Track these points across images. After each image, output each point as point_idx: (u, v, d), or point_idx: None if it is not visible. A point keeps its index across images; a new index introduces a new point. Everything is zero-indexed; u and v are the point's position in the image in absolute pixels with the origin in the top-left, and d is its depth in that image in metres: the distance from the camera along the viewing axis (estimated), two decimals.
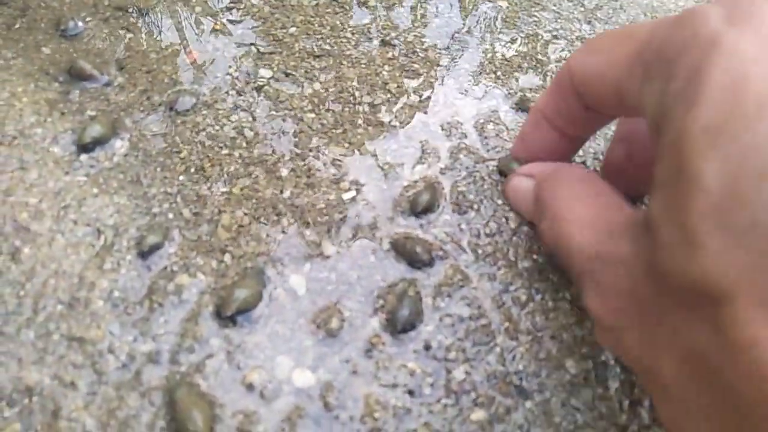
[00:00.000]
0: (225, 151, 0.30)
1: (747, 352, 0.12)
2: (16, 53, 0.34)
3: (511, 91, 0.33)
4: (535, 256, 0.26)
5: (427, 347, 0.24)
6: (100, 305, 0.24)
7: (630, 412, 0.22)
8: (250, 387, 0.23)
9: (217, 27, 0.37)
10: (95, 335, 0.23)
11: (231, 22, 0.37)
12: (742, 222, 0.12)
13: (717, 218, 0.12)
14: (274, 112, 0.32)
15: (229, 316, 0.24)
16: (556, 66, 0.35)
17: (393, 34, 0.36)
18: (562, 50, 0.36)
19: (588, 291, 0.18)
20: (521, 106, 0.32)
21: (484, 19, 0.37)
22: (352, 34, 0.37)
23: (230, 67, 0.34)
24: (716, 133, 0.13)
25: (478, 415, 0.22)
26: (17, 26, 0.36)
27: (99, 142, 0.29)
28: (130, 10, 0.37)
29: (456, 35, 0.37)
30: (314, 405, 0.22)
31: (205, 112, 0.32)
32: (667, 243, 0.14)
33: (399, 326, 0.24)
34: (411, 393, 0.23)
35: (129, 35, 0.36)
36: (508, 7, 0.38)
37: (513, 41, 0.36)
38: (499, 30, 0.37)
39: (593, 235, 0.18)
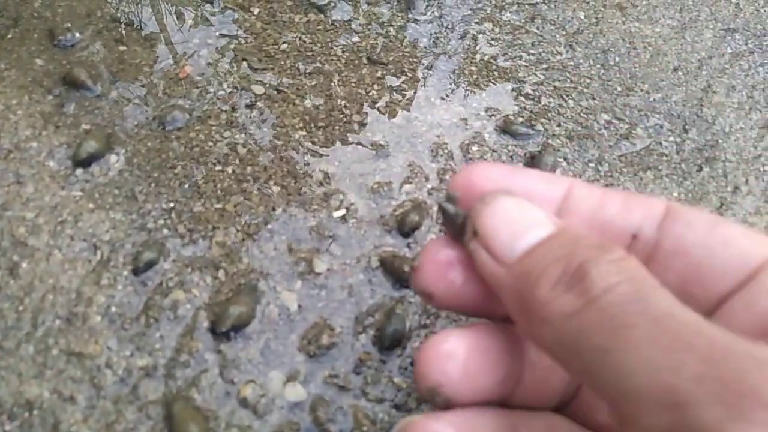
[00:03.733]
0: (218, 168, 0.31)
1: None
2: (9, 64, 0.34)
3: (495, 114, 0.35)
4: None
5: (414, 363, 0.25)
6: (98, 320, 0.25)
7: None
8: (243, 401, 0.24)
9: (210, 42, 0.38)
10: (93, 350, 0.24)
11: (224, 36, 0.38)
12: None
13: None
14: (266, 129, 0.33)
15: (223, 332, 0.25)
16: (536, 89, 0.36)
17: (382, 54, 0.37)
18: (543, 74, 0.37)
19: None
20: (504, 128, 0.34)
21: (470, 42, 0.39)
22: (342, 52, 0.38)
23: (223, 82, 0.35)
24: None
25: None
26: (10, 36, 0.36)
27: (94, 157, 0.30)
28: (124, 21, 0.38)
29: (443, 56, 0.38)
30: (305, 419, 0.24)
31: (198, 127, 0.33)
32: None
33: (387, 343, 0.25)
34: (398, 407, 0.24)
35: (122, 47, 0.37)
36: (492, 30, 0.39)
37: (497, 64, 0.37)
38: (486, 52, 0.38)
39: None
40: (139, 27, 0.38)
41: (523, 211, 0.17)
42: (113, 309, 0.25)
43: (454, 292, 0.18)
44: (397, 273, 0.27)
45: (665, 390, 0.12)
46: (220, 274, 0.27)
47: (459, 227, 0.18)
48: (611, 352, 0.13)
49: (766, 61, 0.39)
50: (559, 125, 0.34)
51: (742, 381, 0.12)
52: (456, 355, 0.17)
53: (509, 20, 0.40)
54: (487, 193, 0.17)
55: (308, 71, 0.36)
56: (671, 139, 0.34)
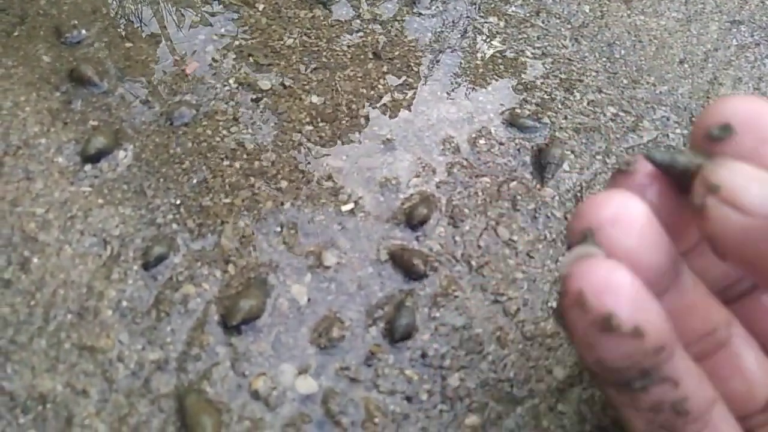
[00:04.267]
0: (226, 163, 0.31)
1: None
2: (16, 61, 0.34)
3: (502, 108, 0.35)
4: (524, 268, 0.27)
5: (424, 355, 0.25)
6: (109, 315, 0.25)
7: (613, 415, 0.24)
8: (255, 394, 0.24)
9: (216, 38, 0.38)
10: (105, 344, 0.24)
11: (229, 32, 0.38)
12: None
13: None
14: (273, 124, 0.33)
15: (234, 325, 0.25)
16: (542, 82, 0.36)
17: (387, 49, 0.37)
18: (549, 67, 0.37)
19: None
20: (511, 122, 0.34)
21: (475, 35, 0.39)
22: (348, 47, 0.38)
23: (229, 78, 0.35)
24: None
25: (472, 420, 0.23)
26: (16, 34, 0.36)
27: (103, 153, 0.30)
28: (129, 18, 0.38)
29: (448, 50, 0.38)
30: (317, 411, 0.24)
31: (205, 123, 0.33)
32: None
33: (397, 335, 0.25)
34: (409, 399, 0.24)
35: (128, 44, 0.37)
36: (497, 24, 0.39)
37: (504, 58, 0.37)
38: (491, 46, 0.38)
39: None
40: (144, 24, 0.38)
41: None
42: (124, 303, 0.26)
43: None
44: (406, 266, 0.27)
45: None
46: (230, 268, 0.27)
47: (683, 180, 0.16)
48: None
49: None
50: (565, 118, 0.34)
51: None
52: (643, 213, 0.15)
53: (514, 14, 0.40)
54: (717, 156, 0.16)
55: (314, 67, 0.36)
56: (678, 131, 0.34)
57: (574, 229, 0.16)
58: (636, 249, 0.15)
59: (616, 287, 0.15)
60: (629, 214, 0.15)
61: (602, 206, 0.15)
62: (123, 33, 0.37)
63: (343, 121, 0.33)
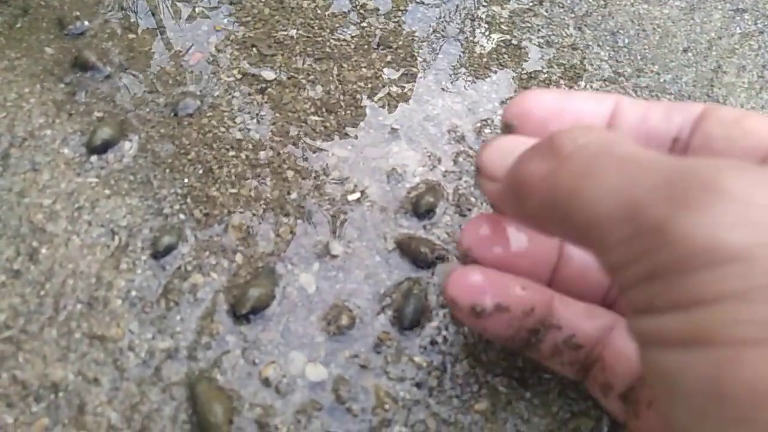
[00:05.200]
0: (232, 153, 0.31)
1: None
2: (20, 53, 0.34)
3: (506, 97, 0.35)
4: None
5: (433, 342, 0.25)
6: (119, 304, 0.25)
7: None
8: (266, 381, 0.24)
9: (218, 28, 0.38)
10: (115, 333, 0.24)
11: (232, 22, 0.38)
12: None
13: None
14: (278, 115, 0.33)
15: (243, 314, 0.25)
16: (547, 71, 0.36)
17: (391, 38, 0.37)
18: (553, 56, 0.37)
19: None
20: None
21: (479, 25, 0.39)
22: (351, 37, 0.38)
23: (233, 69, 0.35)
24: None
25: (482, 405, 0.24)
26: (19, 25, 0.36)
27: (109, 144, 0.30)
28: (132, 9, 0.38)
29: (451, 39, 0.38)
30: (327, 398, 0.24)
31: (210, 114, 0.33)
32: None
33: (406, 323, 0.25)
34: (418, 385, 0.24)
35: (132, 35, 0.36)
36: (500, 13, 0.39)
37: (508, 47, 0.37)
38: (495, 35, 0.38)
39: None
40: (146, 15, 0.38)
41: (514, 142, 0.19)
42: (133, 293, 0.26)
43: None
44: (413, 254, 0.27)
45: (625, 204, 0.13)
46: (238, 257, 0.27)
47: None
48: (581, 191, 0.14)
49: None
50: None
51: (688, 178, 0.13)
52: (485, 228, 0.21)
53: (517, 3, 0.40)
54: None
55: (318, 57, 0.36)
56: None
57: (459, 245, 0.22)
58: (491, 247, 0.21)
59: (472, 284, 0.20)
60: (484, 232, 0.22)
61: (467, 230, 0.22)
62: (125, 24, 0.37)
63: (348, 111, 0.33)
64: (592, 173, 0.14)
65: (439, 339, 0.25)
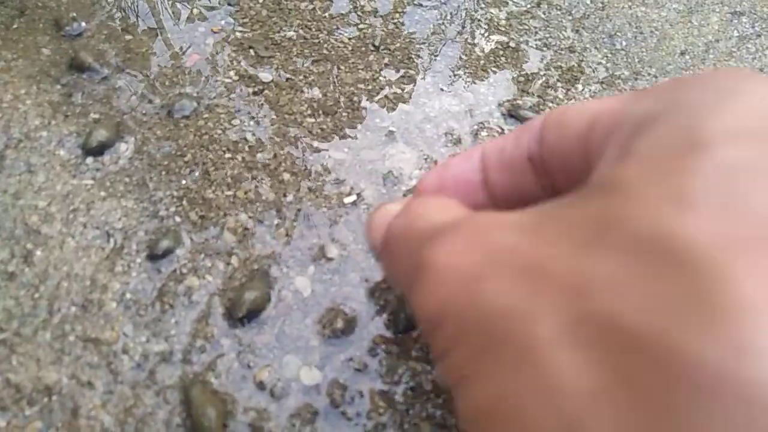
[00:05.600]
0: (228, 155, 0.31)
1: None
2: (16, 54, 0.34)
3: (503, 99, 0.35)
4: None
5: (428, 346, 0.25)
6: (113, 307, 0.25)
7: None
8: (260, 385, 0.24)
9: (216, 30, 0.38)
10: (109, 336, 0.24)
11: (229, 24, 0.38)
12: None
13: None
14: (275, 117, 0.33)
15: (239, 317, 0.25)
16: (545, 73, 0.36)
17: (388, 41, 0.37)
18: (550, 59, 0.37)
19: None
20: (512, 112, 0.34)
21: (476, 27, 0.39)
22: (348, 39, 0.38)
23: (230, 70, 0.35)
24: None
25: None
26: (15, 26, 0.36)
27: (105, 145, 0.30)
28: (129, 10, 0.38)
29: (449, 42, 0.38)
30: (322, 402, 0.24)
31: (207, 115, 0.33)
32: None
33: (401, 326, 0.25)
34: (413, 389, 0.24)
35: (128, 36, 0.36)
36: (497, 15, 0.39)
37: (506, 49, 0.37)
38: (492, 37, 0.38)
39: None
40: (143, 17, 0.38)
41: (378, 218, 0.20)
42: (128, 296, 0.26)
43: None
44: None
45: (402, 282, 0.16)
46: (233, 260, 0.27)
47: None
48: (392, 268, 0.18)
49: None
50: None
51: (407, 263, 0.16)
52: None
53: (515, 5, 0.40)
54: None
55: (315, 59, 0.36)
56: None
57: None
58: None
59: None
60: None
61: None
62: (122, 26, 0.37)
63: (345, 114, 0.33)
64: (392, 257, 0.18)
65: None
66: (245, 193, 0.30)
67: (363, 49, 0.37)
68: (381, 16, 0.39)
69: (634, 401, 0.10)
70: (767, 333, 0.09)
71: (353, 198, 0.30)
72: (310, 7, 0.39)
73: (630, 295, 0.11)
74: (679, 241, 0.11)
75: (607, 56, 0.37)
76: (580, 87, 0.36)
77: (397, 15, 0.39)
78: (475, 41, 0.38)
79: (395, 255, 0.17)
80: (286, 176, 0.30)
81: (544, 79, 0.36)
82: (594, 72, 0.36)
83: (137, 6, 0.38)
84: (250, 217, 0.29)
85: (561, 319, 0.11)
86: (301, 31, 0.38)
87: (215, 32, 0.37)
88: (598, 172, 0.14)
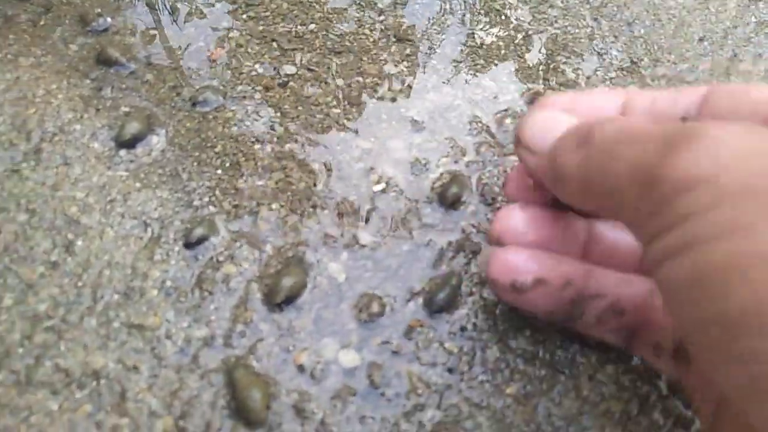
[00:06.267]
0: (257, 146, 0.32)
1: None
2: (45, 50, 0.35)
3: (525, 87, 0.35)
4: None
5: (463, 329, 0.26)
6: (154, 294, 0.26)
7: (650, 384, 0.24)
8: (300, 368, 0.24)
9: (239, 23, 0.38)
10: (153, 322, 0.25)
11: (251, 18, 0.38)
12: None
13: None
14: (300, 108, 0.33)
15: (278, 303, 0.26)
16: (560, 62, 0.36)
17: (409, 31, 0.38)
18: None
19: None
20: (534, 100, 0.34)
21: (496, 16, 0.39)
22: (370, 30, 0.38)
23: (255, 63, 0.36)
24: None
25: (513, 389, 0.24)
26: (42, 23, 0.36)
27: (137, 138, 0.31)
28: (154, 5, 0.38)
29: (469, 32, 0.38)
30: (361, 383, 0.24)
31: (234, 107, 0.33)
32: None
33: (436, 308, 0.26)
34: (450, 371, 0.25)
35: (153, 31, 0.37)
36: (516, 4, 0.40)
37: (525, 38, 0.38)
38: (511, 27, 0.38)
39: None
40: (168, 11, 0.38)
41: (553, 117, 0.22)
42: (168, 283, 0.26)
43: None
44: (442, 242, 0.28)
45: (635, 168, 0.16)
46: (268, 248, 0.28)
47: None
48: (606, 170, 0.17)
49: None
50: None
51: (678, 133, 0.16)
52: (515, 218, 0.23)
53: None
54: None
55: (338, 50, 0.37)
56: None
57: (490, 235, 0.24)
58: (523, 234, 0.23)
59: (510, 262, 0.22)
60: (514, 220, 0.23)
61: (498, 220, 0.23)
62: (147, 20, 0.37)
63: (370, 104, 0.34)
64: (613, 153, 0.17)
65: (469, 326, 0.26)
66: (276, 182, 0.30)
67: (384, 40, 0.37)
68: (403, 6, 0.39)
69: None
70: None
71: (382, 186, 0.30)
72: None
73: None
74: None
75: (626, 44, 0.38)
76: (600, 74, 0.36)
77: (417, 6, 0.39)
78: (496, 30, 0.38)
79: (614, 145, 0.17)
80: (315, 165, 0.31)
81: (564, 67, 0.36)
82: (614, 60, 0.37)
83: (161, 1, 0.39)
84: (282, 206, 0.29)
85: None
86: (322, 24, 0.38)
87: (238, 26, 0.38)
88: None
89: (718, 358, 0.14)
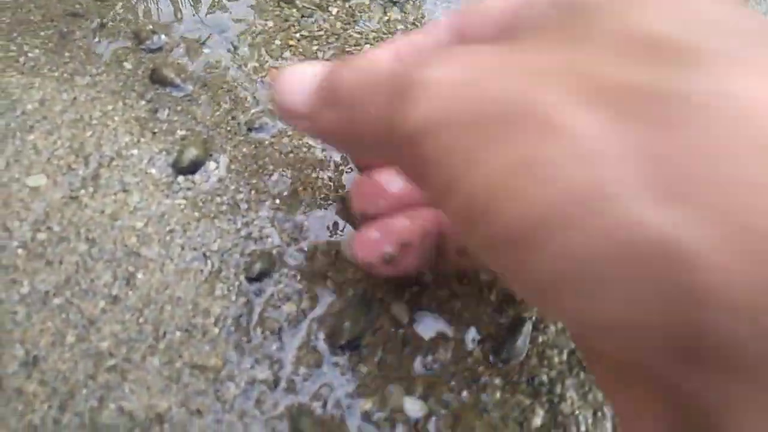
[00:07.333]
0: (314, 175, 0.31)
1: None
2: (100, 68, 0.34)
3: None
4: None
5: (532, 378, 0.25)
6: (216, 332, 0.25)
7: None
8: (365, 416, 0.24)
9: (292, 44, 0.37)
10: (215, 363, 0.24)
11: (305, 38, 0.38)
12: None
13: None
14: None
15: (341, 345, 0.25)
16: None
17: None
18: None
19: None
20: None
21: None
22: None
23: None
24: None
25: None
26: (97, 40, 0.36)
27: (196, 164, 0.30)
28: (206, 24, 0.38)
29: None
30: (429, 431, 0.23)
31: (290, 133, 0.33)
32: None
33: (504, 357, 0.25)
34: (521, 425, 0.24)
35: (207, 50, 0.36)
36: None
37: None
38: None
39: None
40: (221, 29, 0.38)
41: (301, 71, 0.20)
42: (229, 320, 0.26)
43: None
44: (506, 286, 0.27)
45: (376, 116, 0.17)
46: (329, 283, 0.27)
47: None
48: (356, 123, 0.17)
49: None
50: None
51: (397, 83, 0.16)
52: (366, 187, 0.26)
53: None
54: None
55: None
56: None
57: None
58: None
59: (371, 240, 0.24)
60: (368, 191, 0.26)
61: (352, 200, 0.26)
62: (201, 39, 0.37)
63: None
64: (355, 109, 0.17)
65: (542, 376, 0.25)
66: (334, 213, 0.29)
67: None
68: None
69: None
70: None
71: None
72: (385, 18, 0.39)
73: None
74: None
75: None
76: None
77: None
78: None
79: (354, 101, 0.17)
80: None
81: None
82: None
83: (213, 21, 0.38)
84: (341, 239, 0.29)
85: (574, 89, 0.13)
86: (376, 44, 0.37)
87: (291, 45, 0.37)
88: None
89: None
